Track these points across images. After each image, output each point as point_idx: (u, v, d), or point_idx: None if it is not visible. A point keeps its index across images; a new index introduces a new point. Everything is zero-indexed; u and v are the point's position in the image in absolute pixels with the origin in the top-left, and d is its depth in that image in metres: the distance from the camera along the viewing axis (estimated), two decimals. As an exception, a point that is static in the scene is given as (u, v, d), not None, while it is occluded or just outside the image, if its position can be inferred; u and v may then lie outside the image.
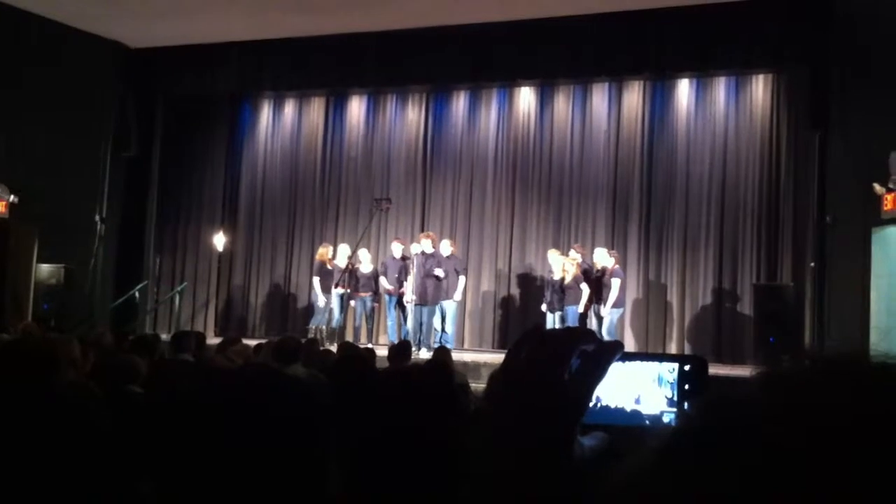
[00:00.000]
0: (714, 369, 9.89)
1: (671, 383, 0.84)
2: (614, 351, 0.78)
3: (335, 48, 12.72)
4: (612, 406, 0.83)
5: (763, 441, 0.45)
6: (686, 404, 0.83)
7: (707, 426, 0.50)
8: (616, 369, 0.79)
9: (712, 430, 0.49)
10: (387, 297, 12.37)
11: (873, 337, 8.49)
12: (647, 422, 0.83)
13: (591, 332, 0.80)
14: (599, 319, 11.17)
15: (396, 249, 12.21)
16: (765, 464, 0.44)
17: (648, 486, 0.49)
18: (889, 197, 9.03)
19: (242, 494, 1.38)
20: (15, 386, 2.87)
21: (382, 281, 12.29)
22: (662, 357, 0.85)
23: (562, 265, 11.15)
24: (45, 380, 2.97)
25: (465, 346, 12.68)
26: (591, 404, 0.77)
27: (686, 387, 0.84)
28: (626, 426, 0.82)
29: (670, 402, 0.84)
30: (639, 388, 0.84)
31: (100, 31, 13.09)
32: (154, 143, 14.12)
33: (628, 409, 0.83)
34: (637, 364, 0.84)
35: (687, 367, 0.85)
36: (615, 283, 11.05)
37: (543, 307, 11.47)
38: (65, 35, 12.68)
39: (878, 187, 9.11)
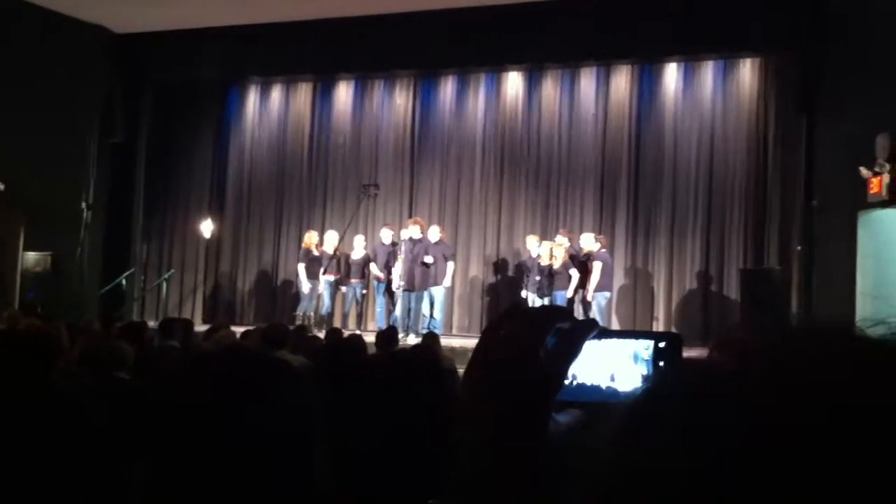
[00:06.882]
0: (700, 353, 9.99)
1: (647, 360, 0.85)
2: (589, 329, 0.79)
3: (322, 33, 12.64)
4: (588, 383, 0.84)
5: (748, 408, 0.45)
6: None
7: (684, 391, 0.50)
8: (592, 347, 0.80)
9: (690, 395, 0.48)
10: (376, 283, 12.36)
11: (859, 308, 8.52)
12: (623, 399, 0.84)
13: (566, 309, 0.81)
14: (586, 304, 11.19)
15: (386, 235, 12.20)
16: (748, 434, 0.44)
17: (620, 450, 0.48)
18: (875, 180, 9.05)
19: (233, 477, 1.38)
20: (11, 378, 2.86)
21: (372, 267, 12.30)
22: (638, 334, 0.86)
23: (549, 250, 11.16)
24: (41, 372, 2.96)
25: (454, 331, 12.69)
26: (566, 381, 0.78)
27: (661, 364, 0.84)
28: (602, 403, 0.82)
29: (646, 380, 0.84)
30: (615, 366, 0.84)
31: (84, 15, 12.97)
32: (141, 129, 14.02)
33: (604, 386, 0.84)
34: (613, 342, 0.85)
35: (662, 344, 0.85)
36: (596, 266, 11.08)
37: (524, 293, 11.48)
38: (49, 19, 12.55)
39: (864, 171, 9.14)
